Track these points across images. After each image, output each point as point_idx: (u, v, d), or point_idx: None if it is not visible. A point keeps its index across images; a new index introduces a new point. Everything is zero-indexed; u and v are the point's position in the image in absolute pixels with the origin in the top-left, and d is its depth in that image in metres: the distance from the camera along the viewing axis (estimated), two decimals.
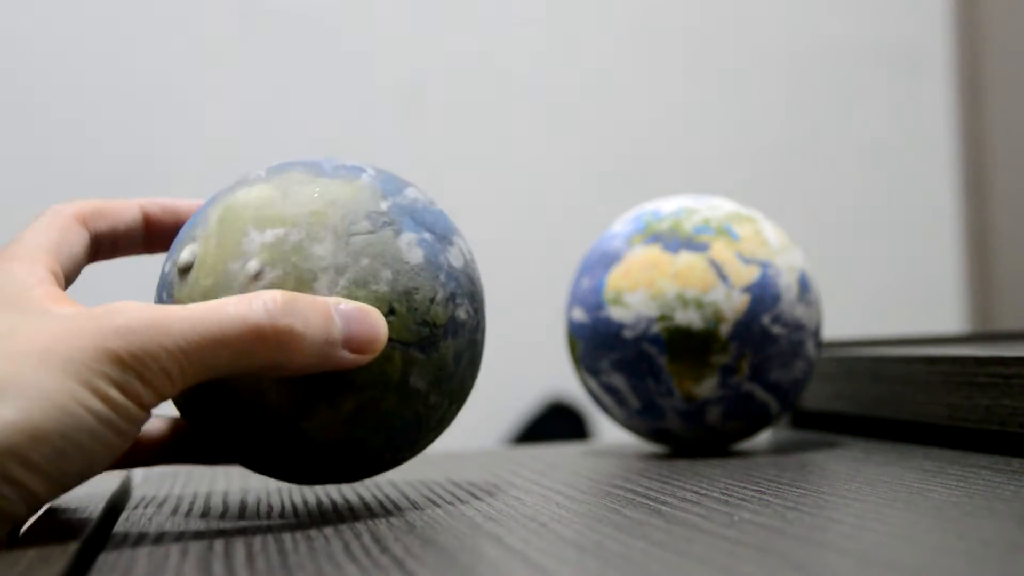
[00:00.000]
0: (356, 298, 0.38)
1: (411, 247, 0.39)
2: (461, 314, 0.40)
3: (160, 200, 0.45)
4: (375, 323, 0.38)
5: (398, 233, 0.39)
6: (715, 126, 1.69)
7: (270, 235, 0.39)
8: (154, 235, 0.45)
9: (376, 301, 0.38)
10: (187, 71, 1.54)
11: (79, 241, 0.41)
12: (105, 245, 0.43)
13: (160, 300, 0.40)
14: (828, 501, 0.38)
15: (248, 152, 1.55)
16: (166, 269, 0.41)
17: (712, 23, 1.70)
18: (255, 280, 0.38)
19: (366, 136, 1.59)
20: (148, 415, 0.35)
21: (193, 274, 0.39)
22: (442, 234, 0.40)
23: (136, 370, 0.34)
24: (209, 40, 1.55)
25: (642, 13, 1.68)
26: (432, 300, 0.39)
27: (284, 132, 1.57)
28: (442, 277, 0.40)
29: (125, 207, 0.44)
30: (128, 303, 0.35)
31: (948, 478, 0.41)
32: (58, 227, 0.41)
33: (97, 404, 0.34)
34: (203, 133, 1.54)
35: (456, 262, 0.40)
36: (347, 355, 0.37)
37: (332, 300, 0.37)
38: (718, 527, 0.34)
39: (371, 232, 0.39)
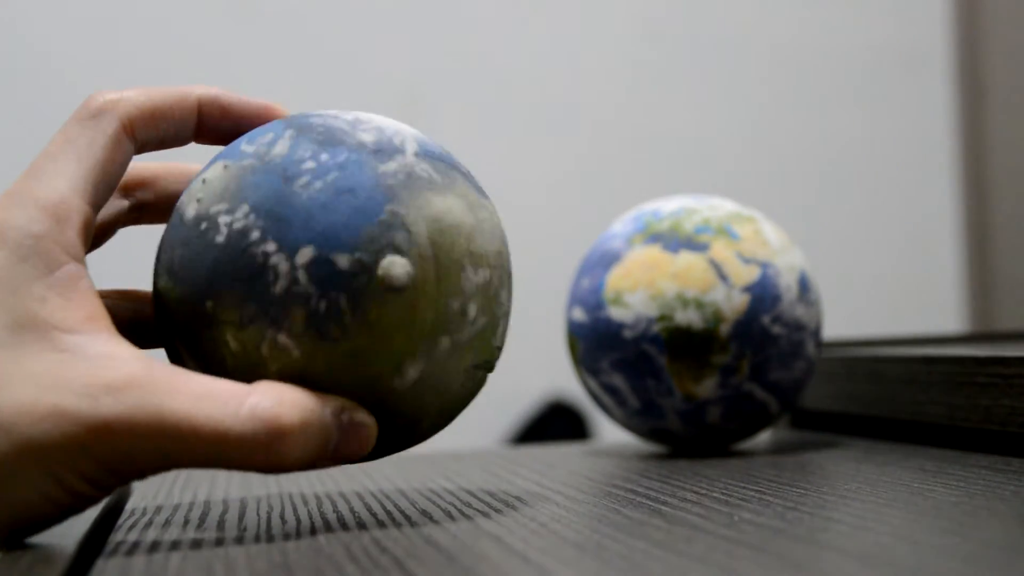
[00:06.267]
0: (502, 345, 0.39)
1: None
2: None
3: (220, 97, 0.39)
4: (366, 441, 0.36)
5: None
6: (715, 126, 1.69)
7: (481, 276, 0.37)
8: (204, 135, 0.39)
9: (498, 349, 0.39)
10: (186, 71, 1.54)
11: (122, 159, 0.37)
12: (149, 148, 0.38)
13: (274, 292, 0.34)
14: (828, 501, 0.38)
15: None
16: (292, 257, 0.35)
17: (712, 23, 1.70)
18: (471, 324, 0.36)
19: None
20: (107, 496, 0.34)
21: (408, 297, 0.35)
22: None
23: (110, 466, 0.33)
24: (208, 40, 1.55)
25: (643, 13, 1.68)
26: None
27: None
28: None
29: (182, 106, 0.38)
30: (129, 367, 0.33)
31: (948, 478, 0.41)
32: (103, 147, 0.36)
33: (59, 493, 0.33)
34: None
35: None
36: (326, 463, 0.35)
37: (340, 408, 0.35)
38: (718, 527, 0.34)
39: (511, 277, 0.39)
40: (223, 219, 0.35)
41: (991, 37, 1.77)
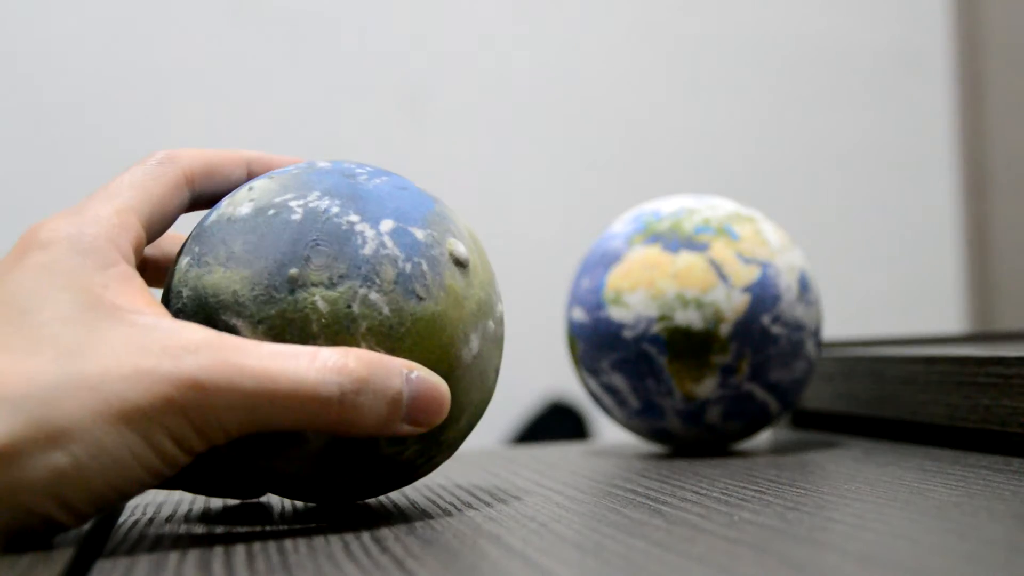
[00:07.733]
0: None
1: None
2: None
3: (266, 159, 0.42)
4: (441, 400, 0.36)
5: None
6: (715, 126, 1.69)
7: (500, 294, 0.41)
8: None
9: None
10: (185, 70, 1.54)
11: (179, 202, 0.39)
12: (203, 202, 0.41)
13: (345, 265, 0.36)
14: (828, 501, 0.38)
15: None
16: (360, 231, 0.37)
17: (712, 23, 1.70)
18: (499, 324, 0.39)
19: (365, 136, 1.59)
20: (192, 460, 0.35)
21: (469, 275, 0.38)
22: None
23: (196, 424, 0.34)
24: (207, 40, 1.55)
25: (642, 13, 1.68)
26: None
27: (283, 132, 1.57)
28: None
29: (234, 165, 0.41)
30: (202, 333, 0.34)
31: (948, 478, 0.41)
32: (163, 184, 0.39)
33: (150, 456, 0.33)
34: (201, 133, 1.54)
35: None
36: (404, 427, 0.36)
37: (407, 367, 0.36)
38: (718, 527, 0.34)
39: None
40: (294, 203, 0.37)
41: (991, 37, 1.77)
